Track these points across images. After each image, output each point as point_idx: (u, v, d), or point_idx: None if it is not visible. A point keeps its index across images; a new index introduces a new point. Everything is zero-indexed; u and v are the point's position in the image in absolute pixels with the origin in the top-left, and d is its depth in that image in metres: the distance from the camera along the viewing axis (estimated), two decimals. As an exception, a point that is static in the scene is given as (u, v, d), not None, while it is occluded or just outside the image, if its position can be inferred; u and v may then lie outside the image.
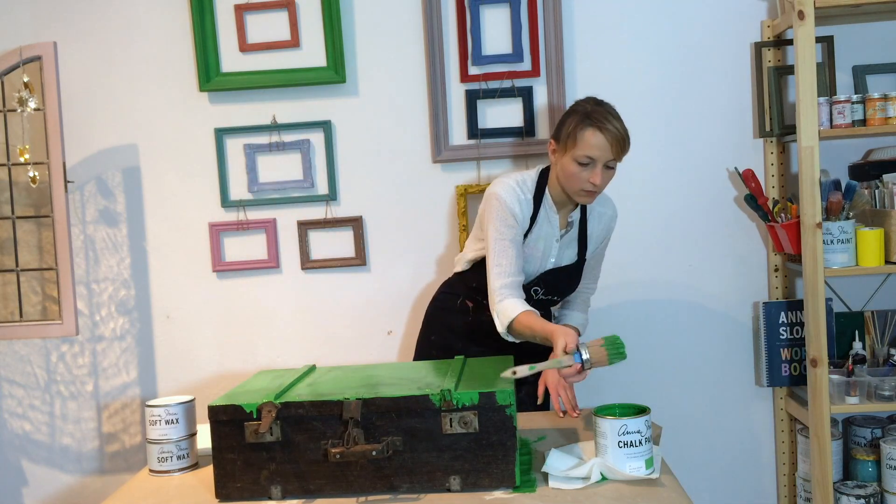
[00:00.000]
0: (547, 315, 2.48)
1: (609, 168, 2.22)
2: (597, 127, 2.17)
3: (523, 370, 1.81)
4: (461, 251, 2.91)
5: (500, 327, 2.19)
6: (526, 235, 2.30)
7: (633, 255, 2.94)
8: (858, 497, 2.59)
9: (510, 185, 2.29)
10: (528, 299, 2.28)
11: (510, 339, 2.20)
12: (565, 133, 2.21)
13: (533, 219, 2.30)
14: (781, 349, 2.83)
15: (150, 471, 1.99)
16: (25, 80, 2.70)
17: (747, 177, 2.73)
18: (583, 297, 2.54)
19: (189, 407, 2.02)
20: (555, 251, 2.35)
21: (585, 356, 1.85)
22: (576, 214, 2.37)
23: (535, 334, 2.09)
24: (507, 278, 2.21)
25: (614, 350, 1.85)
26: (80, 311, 3.00)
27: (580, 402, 2.94)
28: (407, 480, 1.74)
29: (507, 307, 2.17)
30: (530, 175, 2.35)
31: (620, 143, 2.19)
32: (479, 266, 2.38)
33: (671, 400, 2.94)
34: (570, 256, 2.39)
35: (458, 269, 2.52)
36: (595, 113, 2.19)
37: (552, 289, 2.40)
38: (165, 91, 2.98)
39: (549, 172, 2.33)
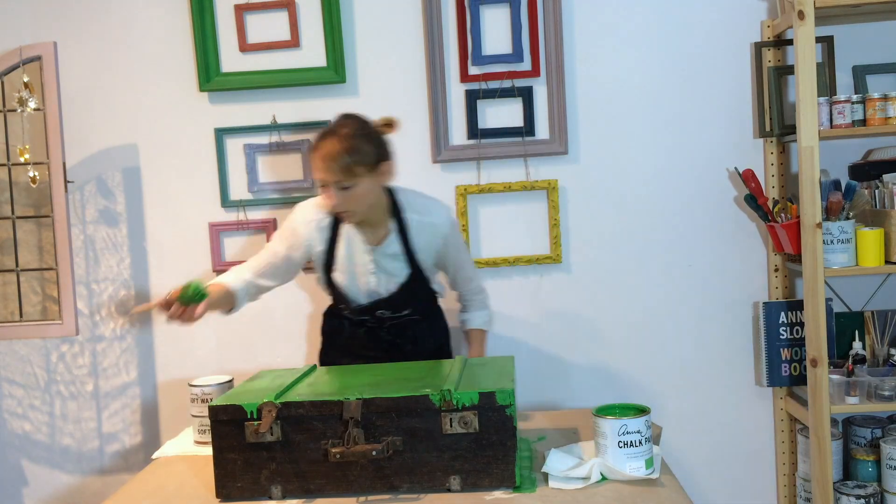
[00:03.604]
0: (406, 337, 2.44)
1: (345, 189, 2.14)
2: (314, 148, 2.17)
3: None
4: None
5: None
6: (332, 255, 2.33)
7: (634, 255, 2.94)
8: (858, 497, 2.59)
9: (306, 206, 2.38)
10: (376, 321, 2.39)
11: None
12: None
13: (334, 239, 2.32)
14: (781, 349, 2.83)
15: (195, 441, 2.27)
16: (25, 80, 2.70)
17: (747, 177, 2.73)
18: (473, 300, 2.52)
19: (223, 388, 2.31)
20: (371, 265, 2.32)
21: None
22: (392, 227, 2.31)
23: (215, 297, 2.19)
24: (245, 273, 2.33)
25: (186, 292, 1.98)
26: (80, 311, 3.00)
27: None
28: (407, 480, 1.74)
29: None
30: None
31: (328, 161, 2.11)
32: (330, 287, 2.43)
33: (671, 400, 2.95)
34: (397, 269, 2.33)
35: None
36: (319, 134, 2.18)
37: (397, 306, 2.37)
38: (165, 91, 2.98)
39: None
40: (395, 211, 2.30)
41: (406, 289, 2.35)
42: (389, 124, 2.27)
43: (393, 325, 2.41)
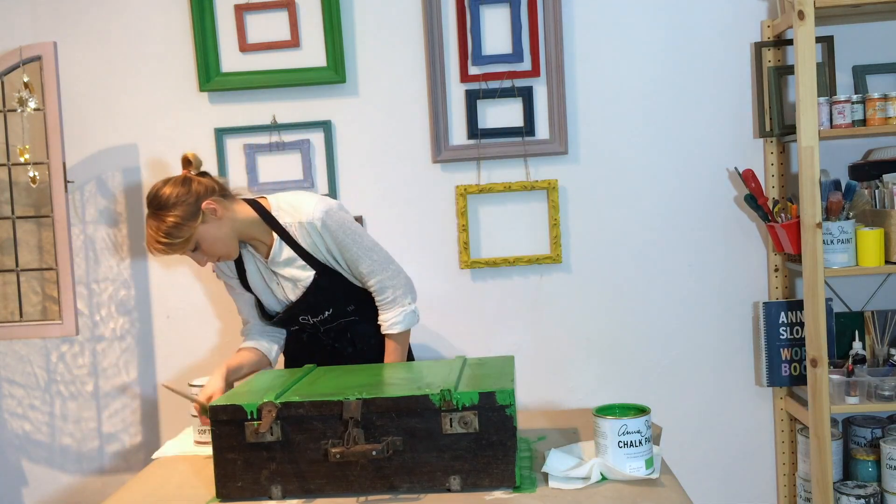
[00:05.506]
0: (345, 340, 2.43)
1: (195, 249, 2.18)
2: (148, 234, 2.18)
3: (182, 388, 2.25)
4: (461, 251, 2.91)
5: None
6: (243, 274, 2.37)
7: (634, 255, 2.94)
8: (858, 497, 2.59)
9: None
10: (303, 329, 2.41)
11: None
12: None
13: (240, 261, 2.36)
14: (781, 349, 2.83)
15: (195, 441, 2.23)
16: (25, 80, 2.70)
17: (747, 177, 2.73)
18: (379, 300, 2.33)
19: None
20: (271, 275, 2.32)
21: None
22: (275, 236, 2.27)
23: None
24: (244, 326, 2.45)
25: None
26: (80, 311, 3.00)
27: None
28: (407, 480, 1.74)
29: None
30: None
31: (162, 250, 2.15)
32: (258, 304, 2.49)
33: (671, 400, 2.94)
34: (298, 273, 2.29)
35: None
36: (147, 220, 2.17)
37: (317, 308, 2.33)
38: (165, 91, 2.98)
39: None
40: (270, 220, 2.25)
41: (316, 291, 2.29)
42: (187, 162, 2.25)
43: (330, 329, 2.38)
